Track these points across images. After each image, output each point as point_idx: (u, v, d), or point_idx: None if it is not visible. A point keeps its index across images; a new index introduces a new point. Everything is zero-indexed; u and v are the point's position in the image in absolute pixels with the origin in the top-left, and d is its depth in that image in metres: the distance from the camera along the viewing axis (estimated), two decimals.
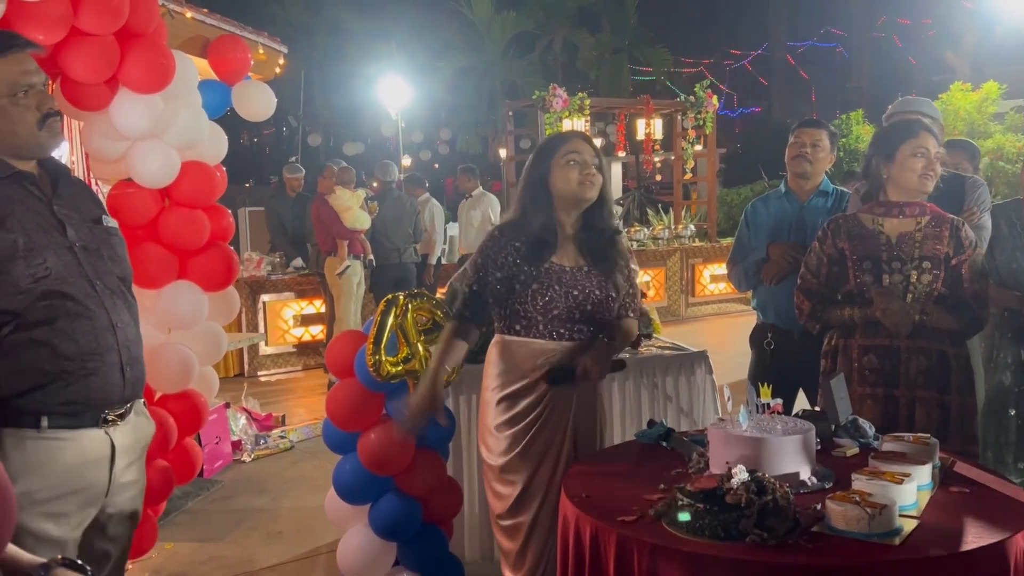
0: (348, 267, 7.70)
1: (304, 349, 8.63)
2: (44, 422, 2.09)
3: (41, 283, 2.10)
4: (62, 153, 4.03)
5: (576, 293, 2.63)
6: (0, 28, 2.90)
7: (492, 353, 2.73)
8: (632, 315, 2.81)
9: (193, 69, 3.85)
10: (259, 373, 8.30)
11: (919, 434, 2.40)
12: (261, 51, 4.79)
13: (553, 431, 2.64)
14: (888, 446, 2.31)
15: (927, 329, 2.87)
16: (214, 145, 4.06)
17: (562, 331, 2.64)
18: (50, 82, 3.44)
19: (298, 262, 8.88)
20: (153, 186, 3.73)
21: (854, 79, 25.00)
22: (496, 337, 2.74)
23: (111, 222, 2.40)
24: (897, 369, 2.90)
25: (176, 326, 3.91)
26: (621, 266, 2.76)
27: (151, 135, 3.63)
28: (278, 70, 5.14)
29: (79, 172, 4.16)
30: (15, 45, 2.15)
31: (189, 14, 4.20)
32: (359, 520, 3.19)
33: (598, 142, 14.51)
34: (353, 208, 7.65)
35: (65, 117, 3.87)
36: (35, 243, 2.12)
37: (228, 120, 4.34)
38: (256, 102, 4.34)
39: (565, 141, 2.72)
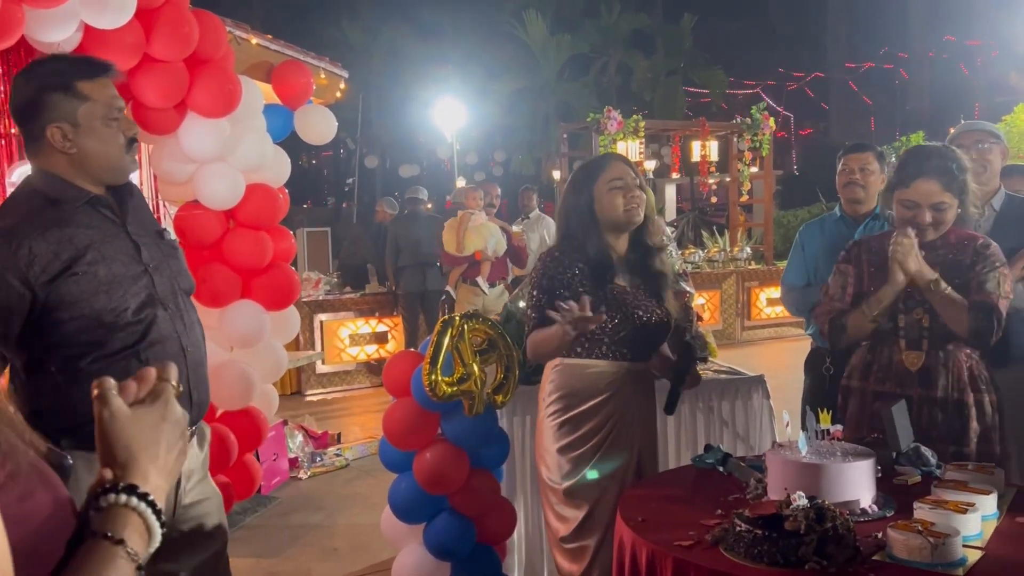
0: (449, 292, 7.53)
1: (360, 368, 8.73)
2: None
3: (122, 316, 2.13)
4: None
5: (641, 314, 2.64)
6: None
7: (550, 375, 2.72)
8: (687, 327, 2.79)
9: (258, 94, 3.95)
10: (315, 391, 8.41)
11: (983, 463, 2.35)
12: (323, 76, 4.90)
13: (619, 453, 2.63)
14: (951, 475, 2.27)
15: (944, 375, 2.68)
16: (277, 168, 4.16)
17: (625, 351, 2.65)
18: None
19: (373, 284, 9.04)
20: (219, 208, 3.84)
21: (914, 101, 24.62)
22: (555, 360, 2.71)
23: (171, 235, 2.41)
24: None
25: (239, 344, 3.99)
26: (670, 282, 2.77)
27: (218, 158, 3.73)
28: (339, 94, 5.25)
29: (147, 194, 4.29)
30: (108, 69, 2.18)
31: (254, 40, 4.32)
32: (414, 539, 3.22)
33: (652, 164, 14.61)
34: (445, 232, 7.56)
35: None
36: (115, 274, 2.14)
37: (287, 142, 4.43)
38: (318, 126, 4.45)
39: (604, 167, 2.71)
